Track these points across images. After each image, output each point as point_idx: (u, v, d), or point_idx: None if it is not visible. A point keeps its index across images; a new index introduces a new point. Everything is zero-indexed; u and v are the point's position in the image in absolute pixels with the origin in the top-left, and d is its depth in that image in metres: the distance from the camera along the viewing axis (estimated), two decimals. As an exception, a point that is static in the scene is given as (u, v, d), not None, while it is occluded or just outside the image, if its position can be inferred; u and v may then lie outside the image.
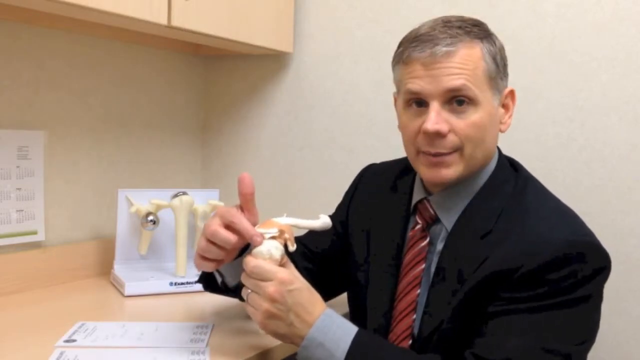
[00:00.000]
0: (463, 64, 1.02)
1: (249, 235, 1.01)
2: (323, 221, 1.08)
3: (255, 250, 1.01)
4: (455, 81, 1.02)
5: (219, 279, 1.16)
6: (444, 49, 1.02)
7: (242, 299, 1.23)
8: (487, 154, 1.09)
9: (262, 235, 1.02)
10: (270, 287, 0.99)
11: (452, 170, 1.06)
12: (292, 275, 1.01)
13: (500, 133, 1.11)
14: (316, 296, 1.04)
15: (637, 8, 1.43)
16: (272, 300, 0.99)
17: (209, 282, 1.19)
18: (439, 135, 1.03)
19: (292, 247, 1.03)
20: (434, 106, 1.03)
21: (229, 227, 1.02)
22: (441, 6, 1.60)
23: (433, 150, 1.05)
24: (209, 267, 1.07)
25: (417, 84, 1.04)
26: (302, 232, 1.24)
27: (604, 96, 1.47)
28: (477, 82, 1.03)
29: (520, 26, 1.53)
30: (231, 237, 1.01)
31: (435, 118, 1.03)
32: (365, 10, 1.72)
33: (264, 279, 1.00)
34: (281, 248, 1.02)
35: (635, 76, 1.44)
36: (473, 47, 1.04)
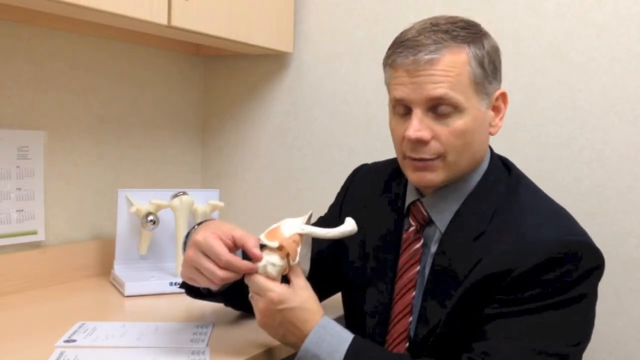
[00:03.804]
0: (446, 71, 1.01)
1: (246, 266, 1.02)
2: (344, 229, 1.04)
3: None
4: (437, 90, 1.01)
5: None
6: (427, 56, 1.01)
7: (227, 304, 1.23)
8: (474, 159, 1.08)
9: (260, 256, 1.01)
10: (260, 303, 1.02)
11: (435, 175, 1.06)
12: (283, 295, 1.01)
13: (491, 135, 1.10)
14: (310, 312, 1.03)
15: (637, 8, 1.43)
16: (263, 314, 1.02)
17: (191, 287, 1.16)
18: (421, 142, 1.04)
19: (293, 262, 1.02)
20: (417, 113, 1.03)
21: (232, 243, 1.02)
22: (441, 6, 1.60)
23: (416, 156, 1.05)
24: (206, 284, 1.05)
25: (402, 91, 1.05)
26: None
27: (604, 96, 1.47)
28: (461, 89, 1.02)
29: (520, 26, 1.53)
30: (250, 265, 1.01)
31: (418, 125, 1.03)
32: (365, 10, 1.72)
33: (257, 293, 1.02)
34: (279, 264, 1.01)
35: (635, 76, 1.44)
36: (458, 53, 1.02)
